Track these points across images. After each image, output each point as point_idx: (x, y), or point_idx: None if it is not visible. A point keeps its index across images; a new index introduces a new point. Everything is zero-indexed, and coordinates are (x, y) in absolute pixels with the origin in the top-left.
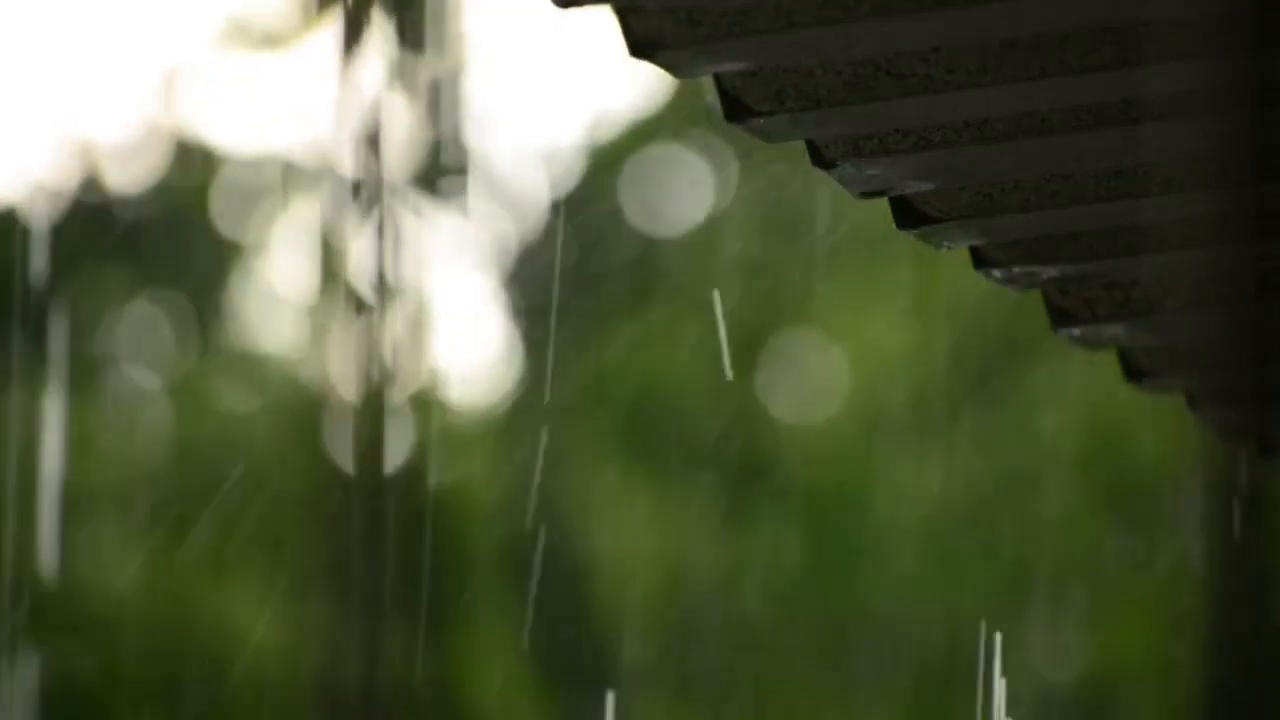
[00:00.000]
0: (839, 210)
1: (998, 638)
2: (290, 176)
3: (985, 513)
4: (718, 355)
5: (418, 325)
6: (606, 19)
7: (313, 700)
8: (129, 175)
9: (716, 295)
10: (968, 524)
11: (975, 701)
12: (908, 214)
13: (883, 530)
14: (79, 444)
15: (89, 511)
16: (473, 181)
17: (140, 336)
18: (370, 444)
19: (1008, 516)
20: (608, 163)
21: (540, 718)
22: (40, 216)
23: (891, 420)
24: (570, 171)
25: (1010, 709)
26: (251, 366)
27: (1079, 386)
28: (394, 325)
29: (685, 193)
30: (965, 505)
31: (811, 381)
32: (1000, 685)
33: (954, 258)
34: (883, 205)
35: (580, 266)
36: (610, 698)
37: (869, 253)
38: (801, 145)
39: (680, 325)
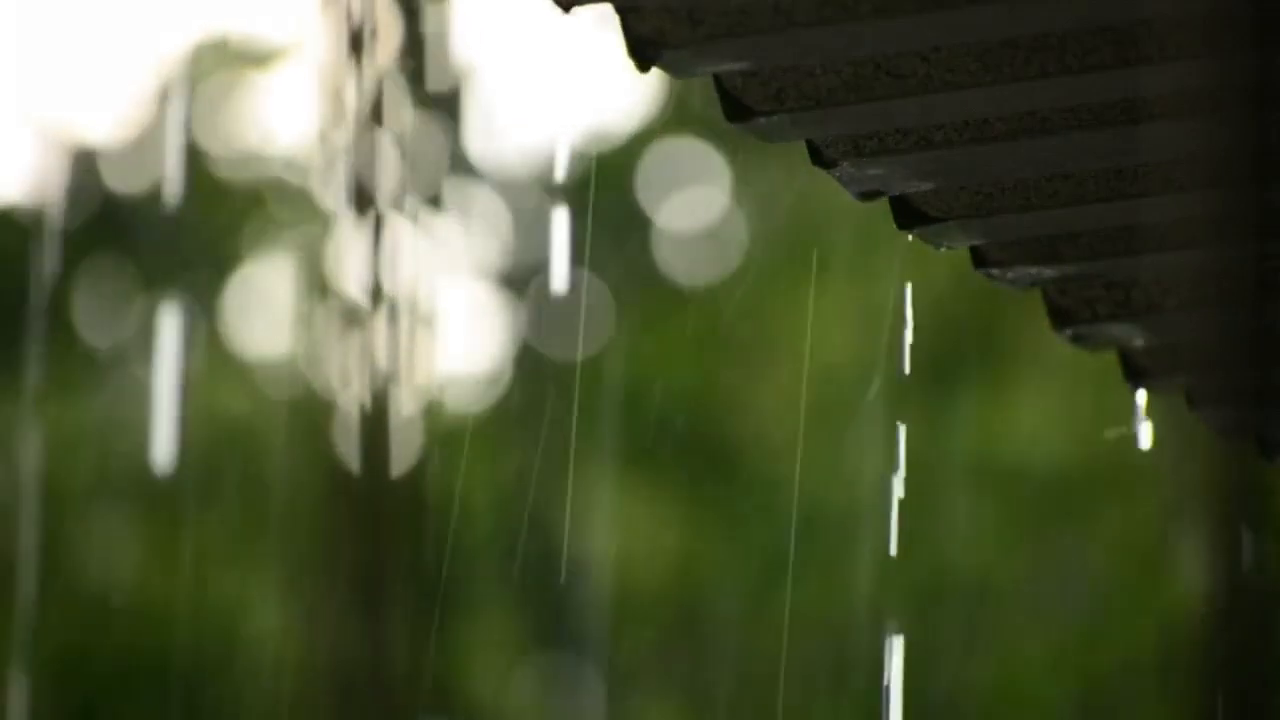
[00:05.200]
0: (832, 209)
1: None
2: (290, 180)
3: (959, 512)
4: (715, 356)
5: (417, 328)
6: (607, 19)
7: (315, 698)
8: (129, 177)
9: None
10: (945, 523)
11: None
12: (908, 214)
13: (875, 526)
14: (77, 443)
15: (87, 510)
16: (471, 185)
17: (140, 337)
18: (371, 446)
19: (995, 515)
20: (606, 165)
21: (538, 715)
22: (39, 217)
23: (890, 417)
24: (570, 173)
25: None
26: (252, 369)
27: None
28: (393, 328)
29: (683, 194)
30: (946, 502)
31: (808, 382)
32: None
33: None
34: (873, 205)
35: (580, 268)
36: (608, 695)
37: (859, 248)
38: (801, 145)
39: (677, 326)
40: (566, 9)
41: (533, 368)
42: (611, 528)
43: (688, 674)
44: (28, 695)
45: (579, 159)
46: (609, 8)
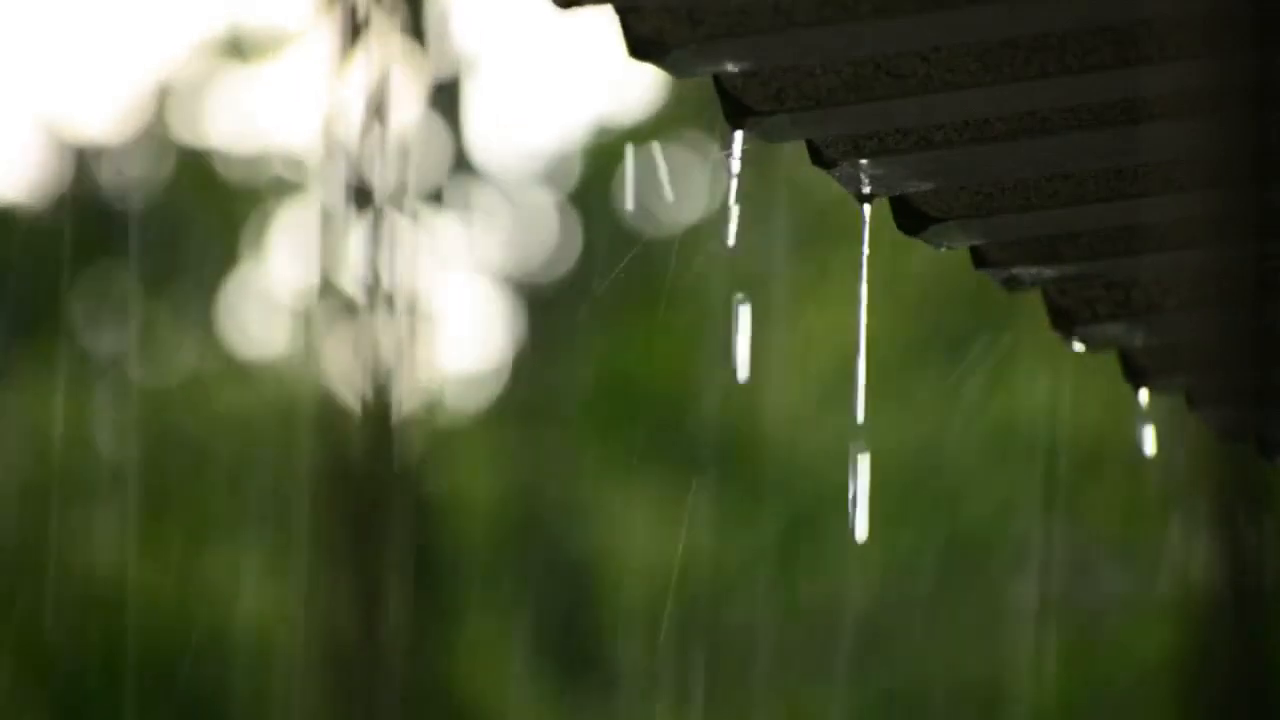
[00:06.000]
0: (833, 204)
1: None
2: (290, 177)
3: (975, 498)
4: (717, 354)
5: (417, 325)
6: (607, 19)
7: (313, 700)
8: (128, 175)
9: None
10: (961, 512)
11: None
12: (908, 214)
13: (882, 526)
14: (75, 442)
15: (85, 509)
16: (473, 182)
17: (139, 336)
18: (371, 444)
19: (998, 505)
20: (608, 163)
21: (539, 715)
22: (39, 216)
23: (892, 416)
24: (570, 172)
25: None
26: (250, 368)
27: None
28: (393, 325)
29: (684, 192)
30: (958, 492)
31: (810, 380)
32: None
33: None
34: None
35: (580, 266)
36: (608, 695)
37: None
38: (801, 145)
39: (680, 324)
40: (564, 6)
41: (534, 364)
42: (615, 524)
43: (696, 672)
44: (20, 690)
45: (581, 153)
46: (609, 7)
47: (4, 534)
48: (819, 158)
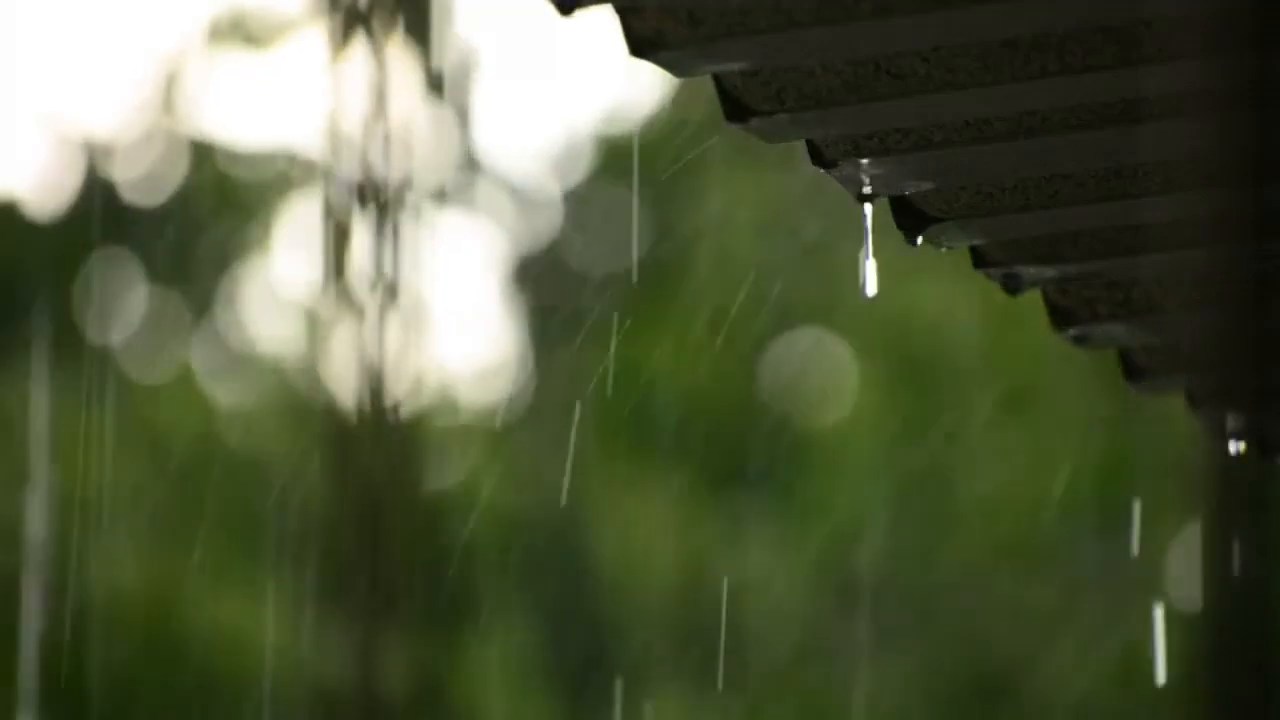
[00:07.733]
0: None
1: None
2: (294, 172)
3: (991, 511)
4: (726, 354)
5: (421, 323)
6: (607, 19)
7: (315, 703)
8: (132, 170)
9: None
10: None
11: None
12: (908, 214)
13: (891, 530)
14: (78, 439)
15: (87, 507)
16: (479, 180)
17: (142, 332)
18: (376, 443)
19: (1014, 518)
20: (614, 161)
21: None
22: (42, 211)
23: (899, 420)
24: (577, 170)
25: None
26: (255, 365)
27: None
28: (397, 323)
29: (691, 192)
30: (971, 503)
31: (819, 381)
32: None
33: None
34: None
35: (588, 265)
36: (616, 698)
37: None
38: (802, 145)
39: (688, 324)
40: (566, 12)
41: (540, 362)
42: (622, 526)
43: (705, 676)
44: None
45: (588, 151)
46: (609, 7)
47: (3, 527)
48: (819, 158)
